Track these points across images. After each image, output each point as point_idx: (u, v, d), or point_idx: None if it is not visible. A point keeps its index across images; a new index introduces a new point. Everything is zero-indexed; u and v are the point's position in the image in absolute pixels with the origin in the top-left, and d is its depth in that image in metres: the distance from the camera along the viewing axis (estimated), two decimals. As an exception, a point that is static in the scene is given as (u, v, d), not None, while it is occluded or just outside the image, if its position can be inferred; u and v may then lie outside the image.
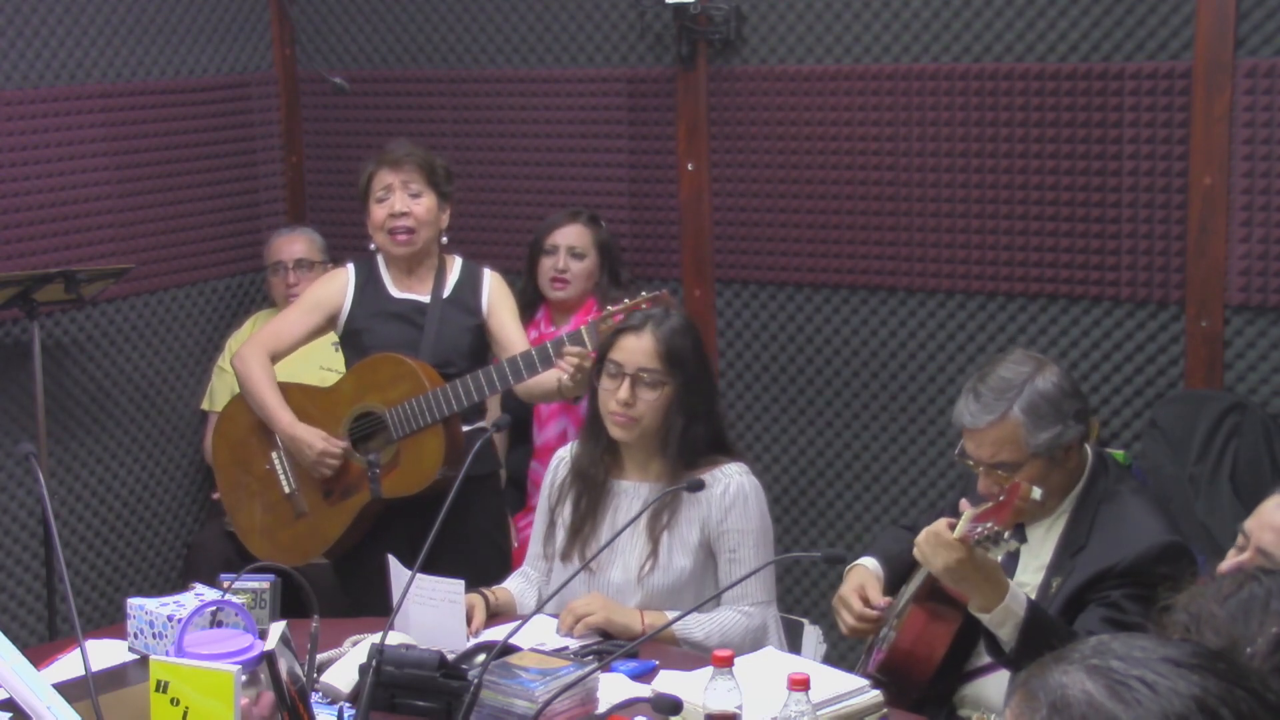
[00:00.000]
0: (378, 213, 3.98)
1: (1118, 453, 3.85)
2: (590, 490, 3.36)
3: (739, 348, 4.67)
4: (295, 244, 4.84)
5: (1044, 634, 2.84)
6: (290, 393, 4.02)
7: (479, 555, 3.90)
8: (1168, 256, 4.02)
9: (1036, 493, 2.86)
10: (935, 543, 2.87)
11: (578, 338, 3.63)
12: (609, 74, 4.74)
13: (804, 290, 4.55)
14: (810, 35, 4.44)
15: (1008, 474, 3.04)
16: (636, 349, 3.27)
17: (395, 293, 4.02)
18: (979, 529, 2.81)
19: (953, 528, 2.86)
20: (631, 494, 3.35)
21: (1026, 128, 4.15)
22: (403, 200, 3.95)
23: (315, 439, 3.92)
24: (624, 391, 3.26)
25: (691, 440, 3.28)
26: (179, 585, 4.62)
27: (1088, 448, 3.15)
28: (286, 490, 4.03)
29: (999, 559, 2.92)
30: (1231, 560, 2.53)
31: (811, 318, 4.55)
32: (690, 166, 4.64)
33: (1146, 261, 4.05)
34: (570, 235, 4.49)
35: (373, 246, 4.05)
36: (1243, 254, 3.91)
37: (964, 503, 2.95)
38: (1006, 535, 2.79)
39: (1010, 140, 4.18)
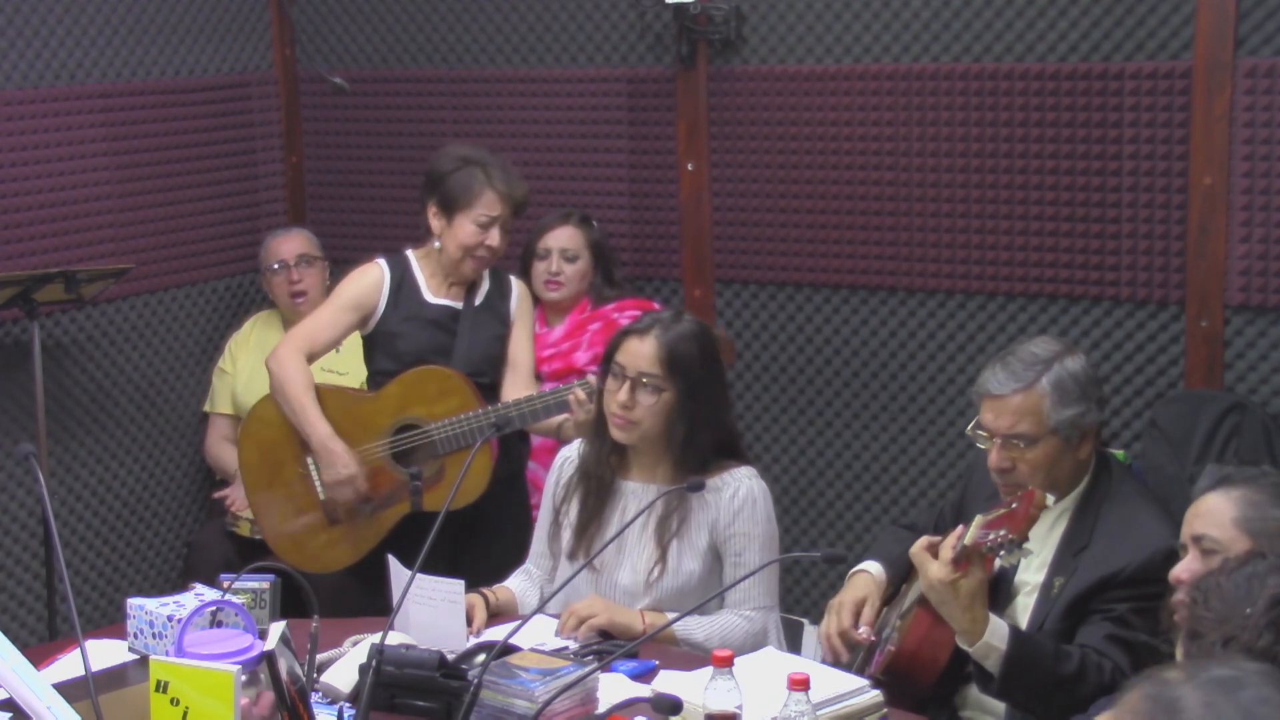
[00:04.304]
0: (473, 235, 3.98)
1: (1118, 452, 3.85)
2: (597, 489, 3.36)
3: (739, 348, 4.66)
4: (293, 241, 4.83)
5: (1028, 666, 2.83)
6: (331, 396, 3.99)
7: (506, 553, 3.90)
8: (1168, 256, 4.02)
9: (1050, 499, 2.86)
10: (925, 559, 2.88)
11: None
12: (609, 74, 4.74)
13: (804, 290, 4.55)
14: (810, 35, 4.44)
15: (1021, 449, 3.03)
16: (639, 353, 3.26)
17: (430, 298, 4.02)
18: (991, 536, 2.80)
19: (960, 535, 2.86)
20: (638, 495, 3.35)
21: (1026, 128, 4.15)
22: (502, 239, 4.01)
23: (351, 464, 3.89)
24: (623, 394, 3.25)
25: (697, 447, 3.26)
26: (179, 585, 4.62)
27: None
28: (321, 497, 4.01)
29: (1015, 564, 2.92)
30: (1182, 565, 2.66)
31: (811, 318, 4.55)
32: (690, 166, 4.64)
33: (1146, 261, 4.05)
34: (562, 238, 4.49)
35: (437, 244, 4.02)
36: (1243, 254, 3.91)
37: (978, 519, 2.94)
38: (1017, 544, 2.79)
39: (1010, 140, 4.18)
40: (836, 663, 3.15)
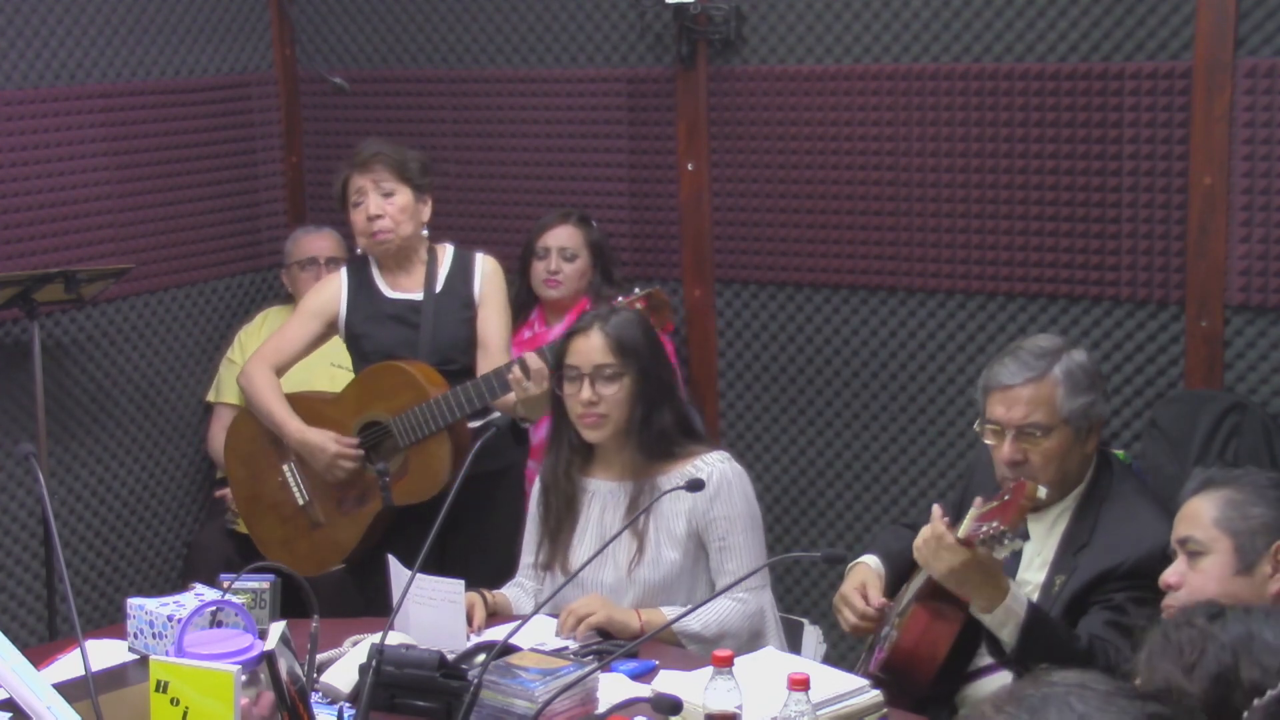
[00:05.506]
0: (356, 218, 4.01)
1: (1118, 452, 3.85)
2: (564, 499, 3.39)
3: (739, 348, 4.67)
4: (325, 240, 4.86)
5: (1044, 634, 2.85)
6: (299, 403, 4.03)
7: (499, 550, 3.91)
8: (1168, 256, 4.02)
9: (1042, 491, 2.87)
10: (936, 546, 2.89)
11: (539, 357, 3.65)
12: (609, 74, 4.74)
13: (804, 290, 4.55)
14: (810, 35, 4.44)
15: (1035, 439, 3.04)
16: (588, 348, 3.31)
17: (389, 293, 4.03)
18: (984, 528, 2.81)
19: (954, 529, 2.87)
20: (611, 492, 3.37)
21: (1026, 128, 4.15)
22: (376, 202, 3.98)
23: (327, 442, 3.93)
24: (585, 392, 3.29)
25: (659, 428, 3.31)
26: (179, 585, 4.62)
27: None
28: (300, 502, 4.05)
29: (1003, 558, 2.93)
30: (1171, 570, 2.71)
31: (811, 318, 4.55)
32: (690, 166, 4.64)
33: (1146, 261, 4.05)
34: (561, 236, 4.50)
35: (359, 250, 4.09)
36: (1243, 254, 3.91)
37: (978, 500, 2.97)
38: (1009, 536, 2.80)
39: (1010, 140, 4.18)
40: (870, 635, 3.22)
